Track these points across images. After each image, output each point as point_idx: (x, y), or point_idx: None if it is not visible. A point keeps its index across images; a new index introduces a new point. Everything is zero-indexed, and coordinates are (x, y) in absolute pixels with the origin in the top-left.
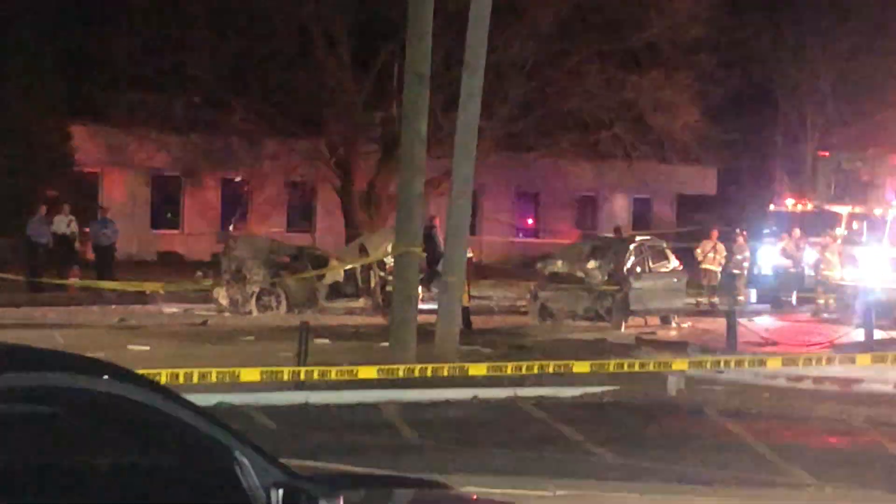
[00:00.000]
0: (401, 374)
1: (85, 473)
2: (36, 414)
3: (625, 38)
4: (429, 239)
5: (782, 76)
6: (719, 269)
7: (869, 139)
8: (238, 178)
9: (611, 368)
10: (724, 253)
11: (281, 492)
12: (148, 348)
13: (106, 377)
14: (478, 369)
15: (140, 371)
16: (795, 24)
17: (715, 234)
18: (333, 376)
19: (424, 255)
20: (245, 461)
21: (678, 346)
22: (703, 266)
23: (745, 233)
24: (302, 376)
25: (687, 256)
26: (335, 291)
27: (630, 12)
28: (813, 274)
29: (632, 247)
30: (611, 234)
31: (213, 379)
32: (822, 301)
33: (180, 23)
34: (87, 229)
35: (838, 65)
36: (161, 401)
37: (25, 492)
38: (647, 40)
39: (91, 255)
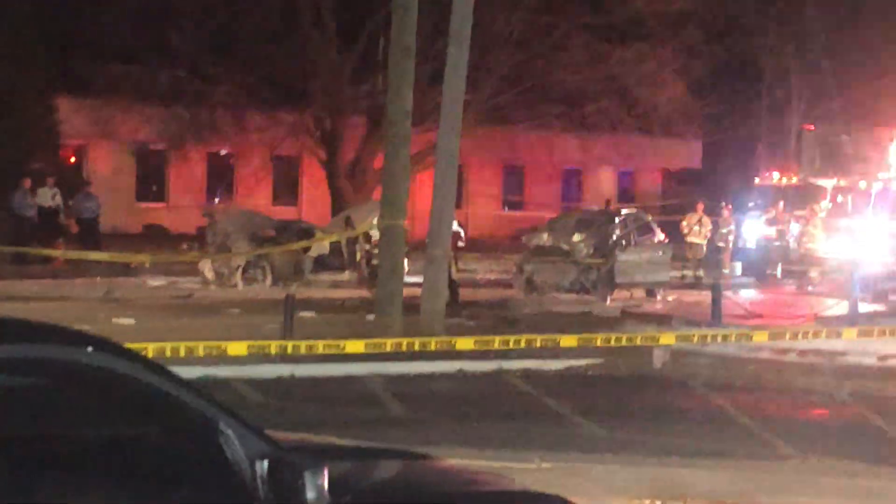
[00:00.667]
0: (388, 347)
1: (70, 445)
2: (21, 385)
3: (610, 12)
4: None
5: (767, 49)
6: (704, 242)
7: (854, 112)
8: (223, 152)
9: (598, 343)
10: (710, 226)
11: (266, 463)
12: (133, 321)
13: (90, 349)
14: (465, 343)
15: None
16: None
17: (700, 207)
18: (321, 350)
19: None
20: (230, 433)
21: (663, 319)
22: (689, 239)
23: (730, 206)
24: (289, 350)
25: (672, 230)
26: (321, 264)
27: None
28: (797, 247)
29: (617, 220)
30: (596, 207)
31: (200, 353)
32: (807, 274)
33: None
34: (71, 202)
35: (823, 38)
36: (145, 373)
37: (12, 462)
38: (632, 13)
39: (75, 229)
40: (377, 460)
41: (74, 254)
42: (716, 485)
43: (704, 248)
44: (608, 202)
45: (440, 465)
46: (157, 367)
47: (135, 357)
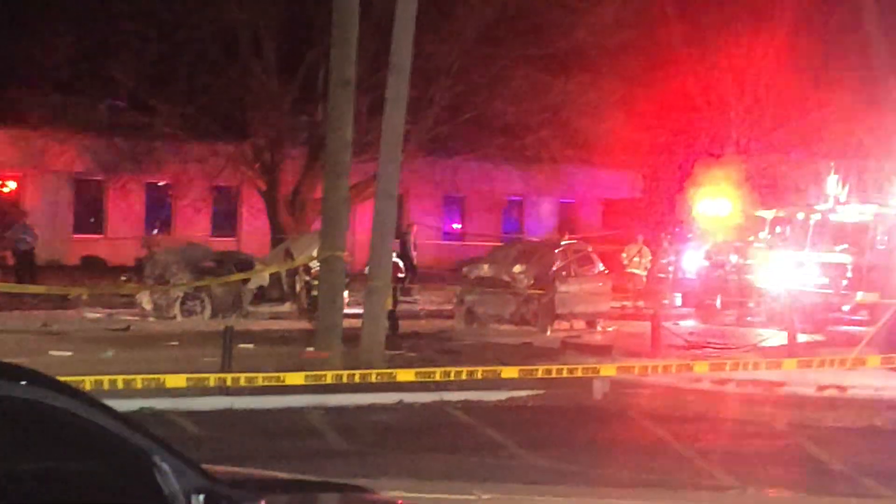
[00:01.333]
0: (328, 380)
1: (4, 480)
2: None
3: (550, 43)
4: (403, 245)
5: (704, 81)
6: (645, 272)
7: (791, 143)
8: (162, 183)
9: (539, 374)
10: (649, 257)
11: (202, 497)
12: (70, 354)
13: (24, 383)
14: (406, 375)
15: (63, 377)
16: (718, 30)
17: (640, 238)
18: (260, 383)
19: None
20: (165, 466)
21: (604, 350)
22: (629, 270)
23: (669, 237)
24: (228, 382)
25: (612, 260)
26: (260, 296)
27: (555, 17)
28: (736, 278)
29: (557, 251)
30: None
31: (139, 385)
32: (746, 305)
33: (103, 24)
34: (6, 234)
35: (760, 72)
36: (80, 406)
37: None
38: (573, 45)
39: (11, 261)
40: (316, 494)
41: (10, 287)
42: None
43: (644, 279)
44: (568, 232)
45: (379, 498)
46: (92, 400)
47: (70, 391)
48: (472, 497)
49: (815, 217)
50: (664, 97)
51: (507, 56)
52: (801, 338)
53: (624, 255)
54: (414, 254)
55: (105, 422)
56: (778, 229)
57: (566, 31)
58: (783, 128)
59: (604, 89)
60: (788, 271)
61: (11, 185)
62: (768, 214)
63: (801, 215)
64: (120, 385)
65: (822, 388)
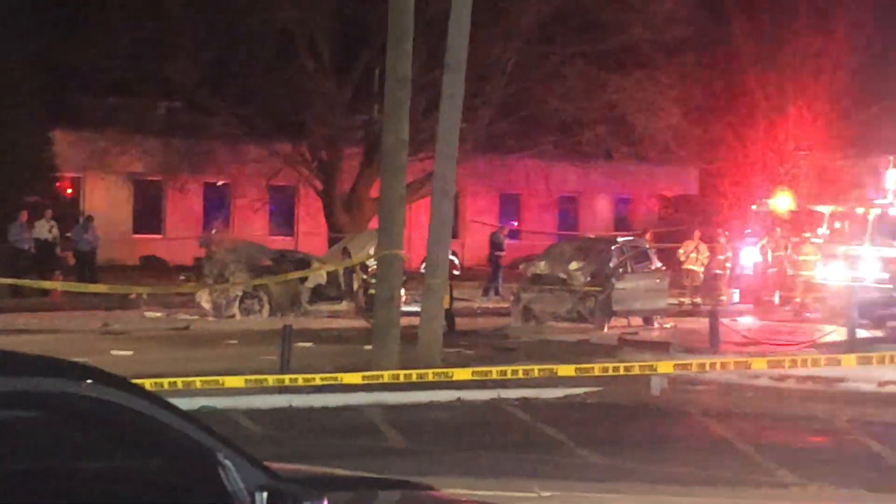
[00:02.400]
0: (385, 378)
1: (69, 478)
2: (20, 419)
3: (605, 40)
4: (494, 245)
5: (762, 75)
6: (701, 269)
7: (850, 138)
8: (220, 182)
9: (595, 372)
10: (706, 253)
11: (265, 495)
12: (131, 353)
13: (89, 381)
14: (462, 373)
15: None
16: (776, 25)
17: (697, 234)
18: (318, 382)
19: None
20: (229, 464)
21: (661, 347)
22: (686, 266)
23: (727, 233)
24: (286, 382)
25: (669, 257)
26: (318, 295)
27: (610, 13)
28: (794, 273)
29: (614, 248)
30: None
31: (198, 386)
32: (804, 300)
33: (160, 27)
34: (69, 235)
35: (818, 65)
36: (144, 405)
37: (10, 498)
38: (628, 41)
39: (72, 261)
40: (376, 491)
41: (72, 286)
42: None
43: (701, 275)
44: (644, 231)
45: (438, 495)
46: (156, 398)
47: (133, 389)
48: (531, 494)
49: (875, 212)
50: (721, 92)
51: (562, 53)
52: (861, 333)
53: (681, 251)
54: (501, 254)
55: (170, 420)
56: (837, 224)
57: (621, 27)
58: (841, 122)
59: (660, 85)
60: (847, 267)
61: (72, 185)
62: (827, 210)
63: (860, 210)
64: (179, 386)
65: (882, 383)
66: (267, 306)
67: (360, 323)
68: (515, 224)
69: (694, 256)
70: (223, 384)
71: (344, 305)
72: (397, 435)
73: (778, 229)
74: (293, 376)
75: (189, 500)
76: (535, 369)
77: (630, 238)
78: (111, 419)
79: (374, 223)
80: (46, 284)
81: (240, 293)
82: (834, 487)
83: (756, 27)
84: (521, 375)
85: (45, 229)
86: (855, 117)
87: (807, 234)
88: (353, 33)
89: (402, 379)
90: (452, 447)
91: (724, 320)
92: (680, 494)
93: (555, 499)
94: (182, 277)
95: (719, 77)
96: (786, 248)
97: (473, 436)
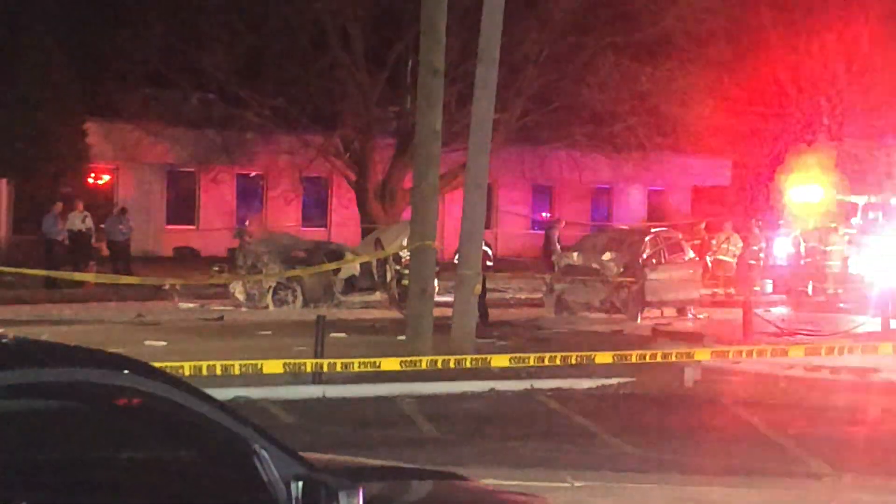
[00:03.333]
0: (423, 365)
1: (107, 468)
2: (58, 409)
3: (638, 30)
4: (548, 239)
5: (795, 66)
6: (734, 260)
7: (884, 128)
8: (253, 174)
9: (633, 359)
10: (739, 244)
11: (301, 484)
12: (165, 344)
13: (127, 372)
14: (500, 360)
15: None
16: (808, 14)
17: (729, 225)
18: (356, 368)
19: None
20: (264, 454)
21: (695, 337)
22: (718, 257)
23: (759, 223)
24: (325, 368)
25: (702, 247)
26: (351, 286)
27: (643, 4)
28: (828, 264)
29: (647, 238)
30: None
31: (237, 371)
32: (838, 291)
33: (194, 18)
34: (103, 225)
35: (851, 56)
36: (180, 395)
37: (50, 486)
38: (661, 32)
39: (106, 252)
40: (411, 481)
41: (104, 277)
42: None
43: (734, 266)
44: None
45: (473, 485)
46: (192, 389)
47: (170, 380)
48: (564, 484)
49: None
50: (754, 83)
51: (594, 44)
52: (895, 324)
53: (713, 241)
54: (557, 247)
55: (205, 410)
56: (871, 215)
57: (654, 18)
58: (874, 113)
59: (692, 76)
60: (881, 257)
61: (106, 177)
62: (860, 200)
63: (894, 201)
64: (218, 371)
65: None
66: (300, 297)
67: (393, 314)
68: (547, 215)
69: (726, 247)
70: (261, 369)
71: (377, 296)
72: (430, 425)
73: (810, 220)
74: (331, 360)
75: (225, 489)
76: (573, 356)
77: (663, 228)
78: (148, 410)
79: (406, 214)
80: (79, 276)
81: (273, 284)
82: (869, 477)
83: (788, 17)
84: (558, 362)
85: (77, 220)
86: (889, 107)
87: (833, 225)
88: (387, 24)
89: (440, 364)
90: (485, 437)
91: (758, 311)
92: (713, 484)
93: (587, 489)
94: (216, 268)
95: (752, 68)
96: (820, 238)
97: (506, 426)
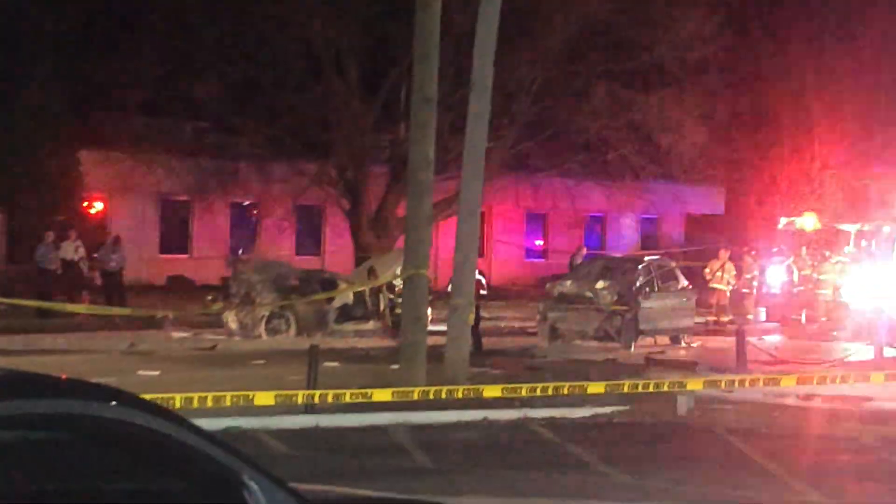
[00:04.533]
0: (415, 396)
1: (93, 500)
2: (45, 441)
3: (631, 58)
4: (571, 266)
5: (788, 95)
6: (728, 288)
7: (875, 157)
8: (246, 202)
9: (625, 389)
10: (733, 272)
11: None
12: (158, 373)
13: (114, 403)
14: (492, 390)
15: (153, 396)
16: (801, 44)
17: (723, 253)
18: (347, 399)
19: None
20: (254, 486)
21: (688, 366)
22: (712, 285)
23: (753, 252)
24: (316, 399)
25: (696, 276)
26: (344, 314)
27: (636, 33)
28: (821, 292)
29: (640, 267)
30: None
31: (228, 403)
32: (831, 319)
33: (187, 47)
34: (96, 255)
35: (844, 84)
36: (169, 426)
37: None
38: (654, 60)
39: (100, 281)
40: None
41: (96, 309)
42: None
43: (728, 294)
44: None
45: None
46: (180, 420)
47: (158, 411)
48: None
49: None
50: (746, 112)
51: (588, 72)
52: (888, 352)
53: (707, 270)
54: None
55: (194, 441)
56: (863, 243)
57: (647, 46)
58: (867, 142)
59: (686, 104)
60: (874, 285)
61: (99, 205)
62: (853, 228)
63: (886, 229)
64: (209, 403)
65: None
66: (294, 326)
67: (386, 342)
68: (540, 243)
69: (720, 275)
70: (253, 399)
71: (371, 325)
72: (424, 455)
73: (804, 248)
74: (323, 392)
75: None
76: (565, 386)
77: (656, 257)
78: (136, 441)
79: (400, 242)
80: (71, 308)
81: (266, 313)
82: None
83: (781, 47)
84: (550, 392)
85: (70, 249)
86: (881, 136)
87: (829, 254)
88: (380, 53)
89: (431, 395)
90: (479, 467)
91: (751, 339)
92: None
93: None
94: (209, 297)
95: (745, 96)
96: (812, 266)
97: (500, 455)
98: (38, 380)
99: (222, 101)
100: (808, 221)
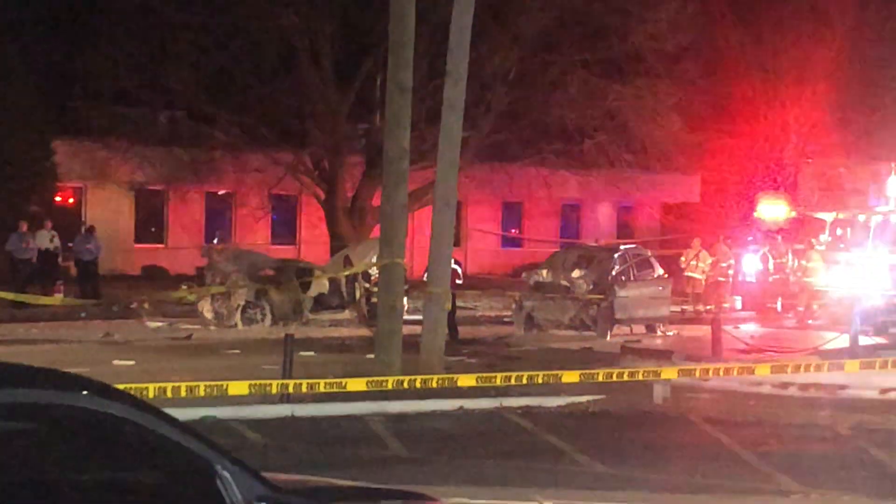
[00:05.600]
0: (389, 385)
1: (66, 490)
2: (16, 430)
3: (607, 47)
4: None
5: (763, 84)
6: (703, 276)
7: (850, 146)
8: (222, 192)
9: (600, 378)
10: (708, 261)
11: None
12: (133, 363)
13: (86, 393)
14: (466, 380)
15: (127, 386)
16: (776, 33)
17: (697, 241)
18: (322, 389)
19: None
20: (227, 475)
21: (664, 354)
22: (687, 274)
23: (728, 240)
24: (290, 389)
25: (671, 264)
26: (320, 304)
27: (611, 21)
28: (796, 280)
29: (616, 255)
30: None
31: (202, 393)
32: (807, 307)
33: (162, 36)
34: (70, 245)
35: (818, 73)
36: (141, 416)
37: None
38: (629, 49)
39: (74, 271)
40: (377, 501)
41: (71, 301)
42: None
43: (703, 283)
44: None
45: None
46: (153, 409)
47: (131, 401)
48: (533, 503)
49: (876, 219)
50: (722, 101)
51: (564, 62)
52: (864, 340)
53: (682, 258)
54: None
55: (167, 431)
56: (838, 231)
57: (623, 35)
58: (842, 130)
59: (661, 93)
60: (849, 273)
61: (73, 196)
62: (828, 217)
63: (861, 217)
64: (183, 393)
65: (885, 391)
66: (269, 316)
67: (362, 332)
68: (516, 232)
69: (695, 264)
70: (227, 389)
71: (346, 314)
72: (399, 444)
73: (779, 237)
74: (297, 381)
75: None
76: (540, 375)
77: (632, 245)
78: (108, 431)
79: (376, 231)
80: (45, 300)
81: (242, 302)
82: (836, 494)
83: (756, 35)
84: (525, 382)
85: (45, 239)
86: (856, 124)
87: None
88: (355, 42)
89: (406, 385)
90: (454, 456)
91: (727, 328)
92: (681, 502)
93: None
94: (184, 287)
95: (720, 85)
96: (787, 255)
97: (475, 445)
98: (10, 369)
99: (197, 91)
100: (777, 211)
